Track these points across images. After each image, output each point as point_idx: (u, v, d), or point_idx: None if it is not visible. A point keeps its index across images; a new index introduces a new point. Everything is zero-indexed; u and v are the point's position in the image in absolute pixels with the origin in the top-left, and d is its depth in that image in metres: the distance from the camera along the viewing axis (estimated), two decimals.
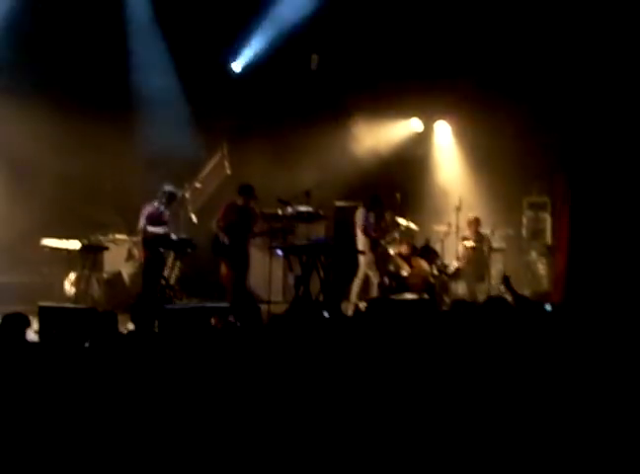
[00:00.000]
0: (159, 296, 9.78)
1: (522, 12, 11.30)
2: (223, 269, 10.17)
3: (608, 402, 4.33)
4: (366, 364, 4.61)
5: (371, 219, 11.02)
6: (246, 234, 10.17)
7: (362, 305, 10.82)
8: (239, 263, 10.11)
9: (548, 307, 10.28)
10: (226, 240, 9.92)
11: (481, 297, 11.27)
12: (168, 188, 10.07)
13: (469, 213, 12.04)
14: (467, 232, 11.98)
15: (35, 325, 7.05)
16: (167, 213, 10.12)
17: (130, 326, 7.05)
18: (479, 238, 11.98)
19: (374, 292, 10.99)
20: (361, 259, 11.02)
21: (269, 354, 4.73)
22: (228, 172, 11.69)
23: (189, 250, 10.48)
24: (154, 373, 4.56)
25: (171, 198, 10.06)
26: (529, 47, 11.51)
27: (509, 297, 11.22)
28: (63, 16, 11.35)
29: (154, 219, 10.03)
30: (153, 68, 12.09)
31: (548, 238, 13.05)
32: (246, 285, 10.30)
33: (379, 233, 11.12)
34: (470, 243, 11.89)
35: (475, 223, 12.00)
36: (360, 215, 11.01)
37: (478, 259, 11.96)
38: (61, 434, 4.07)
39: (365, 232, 10.90)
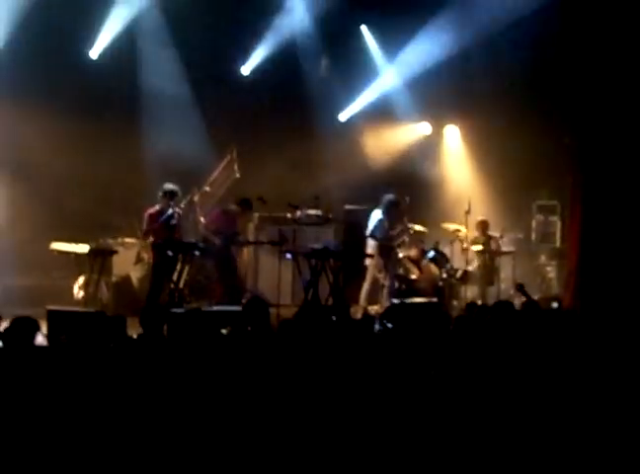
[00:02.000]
0: (168, 300, 9.77)
1: (532, 14, 11.29)
2: None
3: (621, 405, 4.29)
4: (379, 368, 4.58)
5: (385, 224, 10.96)
6: (231, 238, 10.73)
7: (372, 309, 10.79)
8: (223, 263, 10.60)
9: (555, 304, 10.22)
10: (216, 241, 10.48)
11: (491, 301, 11.21)
12: (167, 186, 10.09)
13: (481, 216, 12.01)
14: (476, 234, 11.93)
15: (43, 328, 7.05)
16: (175, 215, 10.09)
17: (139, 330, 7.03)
18: (487, 240, 11.93)
19: (384, 296, 10.94)
20: (370, 262, 10.98)
21: (278, 357, 4.71)
22: (237, 175, 11.67)
23: (197, 253, 10.49)
24: (163, 377, 4.55)
25: (171, 196, 10.05)
26: (540, 50, 11.48)
27: (517, 302, 11.21)
28: (75, 19, 11.38)
29: (161, 222, 10.01)
30: (163, 72, 12.10)
31: (558, 242, 13.00)
32: (235, 281, 10.70)
33: (390, 237, 11.05)
34: (478, 247, 11.84)
35: (483, 226, 11.94)
36: (374, 218, 10.96)
37: (487, 262, 11.90)
38: (68, 436, 4.06)
39: (372, 235, 10.85)
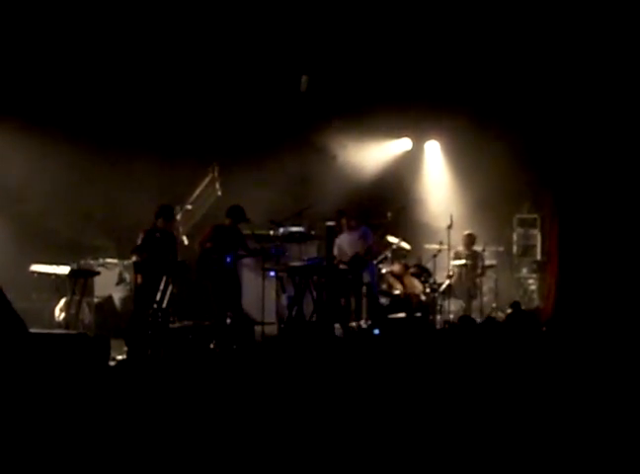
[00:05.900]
0: (151, 320, 9.69)
1: (511, 37, 11.40)
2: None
3: (603, 413, 4.32)
4: (366, 381, 4.58)
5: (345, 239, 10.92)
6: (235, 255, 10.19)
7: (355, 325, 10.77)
8: (229, 284, 10.07)
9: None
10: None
11: (474, 315, 11.26)
12: (163, 207, 10.04)
13: (464, 230, 12.06)
14: (461, 249, 11.98)
15: None
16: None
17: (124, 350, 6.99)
18: (473, 255, 11.99)
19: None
20: None
21: (265, 373, 4.69)
22: (219, 193, 11.65)
23: (181, 272, 10.41)
24: (147, 396, 4.52)
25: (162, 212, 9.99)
26: (517, 69, 11.59)
27: (501, 315, 11.24)
28: (70, 49, 11.37)
29: (149, 241, 9.97)
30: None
31: (538, 254, 13.11)
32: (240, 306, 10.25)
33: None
34: (460, 261, 11.88)
35: (468, 239, 12.00)
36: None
37: (470, 276, 11.96)
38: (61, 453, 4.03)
39: None
